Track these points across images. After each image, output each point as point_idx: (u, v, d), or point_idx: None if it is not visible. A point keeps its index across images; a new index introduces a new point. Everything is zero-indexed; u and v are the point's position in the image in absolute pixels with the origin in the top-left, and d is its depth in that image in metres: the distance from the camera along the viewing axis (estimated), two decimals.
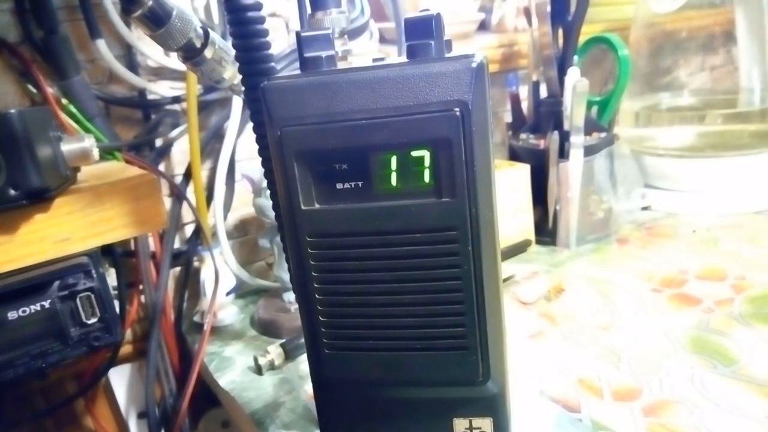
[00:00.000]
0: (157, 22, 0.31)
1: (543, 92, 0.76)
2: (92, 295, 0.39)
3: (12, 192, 0.36)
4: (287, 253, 0.34)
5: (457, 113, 0.24)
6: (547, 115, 0.74)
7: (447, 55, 0.24)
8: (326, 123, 0.24)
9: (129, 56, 0.62)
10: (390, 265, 0.26)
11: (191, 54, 0.33)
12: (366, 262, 0.26)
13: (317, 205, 0.26)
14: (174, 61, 0.63)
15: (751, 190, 0.78)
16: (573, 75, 0.69)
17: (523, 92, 0.82)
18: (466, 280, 0.25)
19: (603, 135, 0.73)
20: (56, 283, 0.38)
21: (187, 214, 0.67)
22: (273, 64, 0.31)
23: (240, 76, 0.34)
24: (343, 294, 0.27)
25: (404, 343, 0.27)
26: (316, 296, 0.27)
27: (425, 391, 0.28)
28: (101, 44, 0.58)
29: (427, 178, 0.25)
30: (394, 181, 0.25)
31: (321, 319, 0.27)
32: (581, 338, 0.53)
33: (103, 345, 0.40)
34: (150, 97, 0.63)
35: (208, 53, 0.33)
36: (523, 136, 0.77)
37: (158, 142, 0.65)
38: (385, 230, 0.25)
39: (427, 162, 0.25)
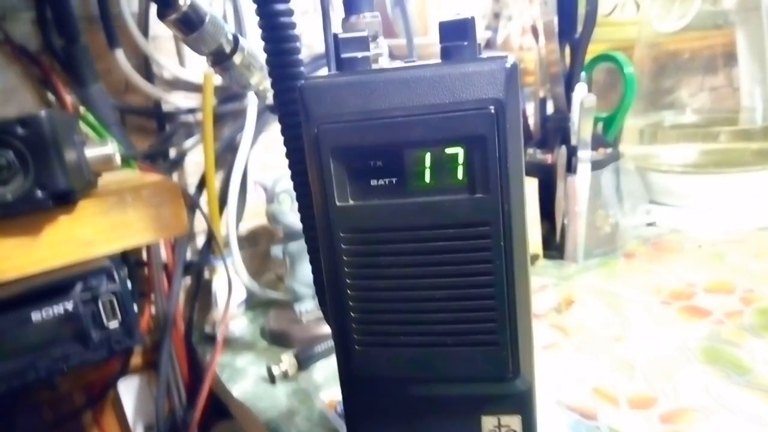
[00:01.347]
0: (191, 27, 0.31)
1: (549, 108, 0.77)
2: (114, 299, 0.39)
3: (39, 193, 0.36)
4: (312, 254, 0.35)
5: (492, 111, 0.24)
6: (554, 131, 0.75)
7: (480, 57, 0.25)
8: (363, 120, 0.25)
9: (145, 66, 0.63)
10: (423, 260, 0.26)
11: (220, 59, 0.34)
12: (399, 257, 0.26)
13: (351, 202, 0.26)
14: (189, 73, 0.64)
15: (754, 207, 0.79)
16: (580, 91, 0.70)
17: (530, 108, 0.83)
18: (498, 276, 0.26)
19: (609, 150, 0.74)
20: (79, 286, 0.39)
21: (197, 225, 0.68)
22: (303, 68, 0.32)
23: (266, 81, 0.34)
24: (375, 289, 0.27)
25: (435, 339, 0.27)
26: (348, 292, 0.27)
27: (454, 388, 0.28)
28: (119, 54, 0.59)
29: (460, 175, 0.25)
30: (427, 178, 0.26)
31: (352, 315, 0.27)
32: (594, 349, 0.53)
33: (123, 348, 0.40)
34: (165, 107, 0.64)
35: (237, 59, 0.34)
36: (530, 151, 0.78)
37: (172, 153, 0.65)
38: (418, 226, 0.26)
39: (461, 159, 0.25)
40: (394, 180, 0.26)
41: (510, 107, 0.24)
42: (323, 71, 0.67)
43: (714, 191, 0.80)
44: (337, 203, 0.26)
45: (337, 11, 0.56)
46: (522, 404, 0.28)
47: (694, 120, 0.91)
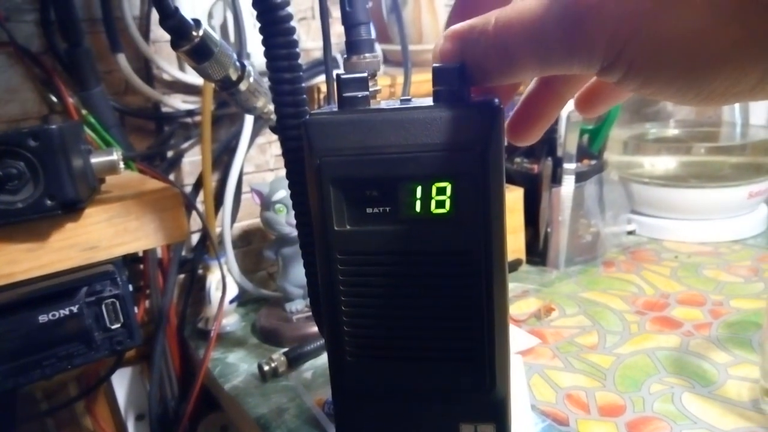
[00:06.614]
0: (203, 56, 0.33)
1: None
2: (117, 302, 0.41)
3: (48, 202, 0.38)
4: (308, 268, 0.37)
5: (477, 151, 0.27)
6: (540, 142, 0.77)
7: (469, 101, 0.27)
8: (361, 155, 0.27)
9: (146, 69, 0.64)
10: (411, 282, 0.29)
11: (228, 85, 0.36)
12: (389, 278, 0.29)
13: (348, 227, 0.29)
14: (187, 76, 0.65)
15: (730, 220, 0.83)
16: (567, 104, 0.72)
17: None
18: (479, 297, 0.28)
19: (593, 162, 0.77)
20: (84, 290, 0.41)
21: (192, 223, 0.69)
22: (306, 107, 0.34)
23: (270, 105, 0.36)
24: (367, 307, 0.29)
25: (420, 353, 0.30)
26: (343, 308, 0.30)
27: (437, 398, 0.31)
28: (121, 58, 0.60)
29: (447, 207, 0.28)
30: (418, 208, 0.28)
31: (345, 329, 0.30)
32: (569, 356, 0.56)
33: (125, 348, 0.42)
34: (164, 109, 0.65)
35: (243, 86, 0.36)
36: (517, 160, 0.80)
37: (169, 153, 0.67)
38: (408, 251, 0.28)
39: (448, 192, 0.28)
40: (387, 209, 0.28)
41: (493, 148, 0.27)
42: (321, 78, 0.69)
43: (692, 203, 0.84)
44: (336, 227, 0.29)
45: (336, 17, 0.58)
46: (497, 414, 0.31)
47: (676, 133, 0.94)
